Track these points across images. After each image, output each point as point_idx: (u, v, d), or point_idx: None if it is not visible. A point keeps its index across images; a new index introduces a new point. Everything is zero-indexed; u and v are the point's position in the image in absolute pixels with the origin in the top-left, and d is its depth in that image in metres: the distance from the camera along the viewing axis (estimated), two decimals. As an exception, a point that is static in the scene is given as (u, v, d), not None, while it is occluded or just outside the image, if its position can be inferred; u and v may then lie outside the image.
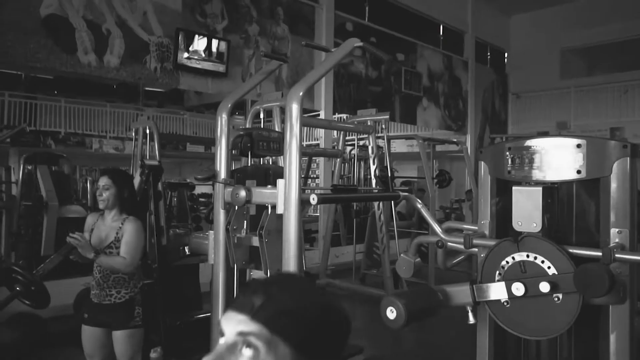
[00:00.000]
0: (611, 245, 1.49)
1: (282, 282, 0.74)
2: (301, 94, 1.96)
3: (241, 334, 0.66)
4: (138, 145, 4.68)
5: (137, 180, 3.62)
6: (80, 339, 2.61)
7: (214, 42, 5.63)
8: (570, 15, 10.56)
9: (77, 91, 12.74)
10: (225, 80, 5.82)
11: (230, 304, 0.71)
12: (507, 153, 1.70)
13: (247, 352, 0.65)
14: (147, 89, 12.66)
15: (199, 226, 5.24)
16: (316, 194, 1.97)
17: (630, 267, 1.49)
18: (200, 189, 9.26)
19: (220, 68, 5.71)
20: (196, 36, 5.46)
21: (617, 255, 1.41)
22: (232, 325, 0.68)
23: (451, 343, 4.26)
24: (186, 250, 3.66)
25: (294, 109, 1.93)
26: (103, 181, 2.60)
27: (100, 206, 2.60)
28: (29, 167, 5.76)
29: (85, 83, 11.57)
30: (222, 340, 0.69)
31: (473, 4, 10.13)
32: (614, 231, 1.51)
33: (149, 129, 4.53)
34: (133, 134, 4.81)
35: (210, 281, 3.32)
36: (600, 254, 1.43)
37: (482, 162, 1.79)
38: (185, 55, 5.38)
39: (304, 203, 2.00)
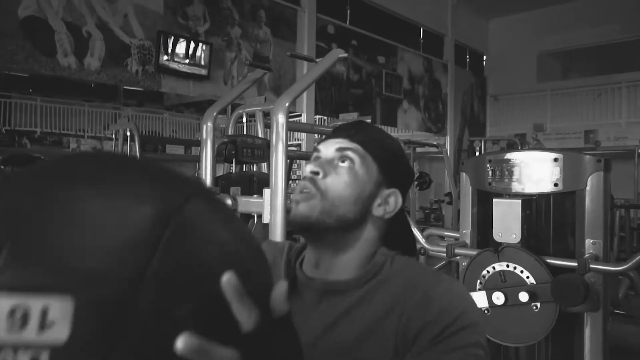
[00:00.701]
0: (586, 255, 1.55)
1: (371, 124, 0.89)
2: (287, 104, 1.99)
3: (340, 149, 0.79)
4: (118, 147, 4.64)
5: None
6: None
7: (196, 45, 5.61)
8: (547, 19, 10.77)
9: (53, 89, 12.48)
10: (207, 83, 5.80)
11: (325, 137, 0.83)
12: (488, 165, 1.75)
13: (343, 164, 0.78)
14: (126, 87, 12.49)
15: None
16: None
17: (603, 276, 1.56)
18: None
19: (202, 71, 5.68)
20: (178, 39, 5.43)
21: (591, 266, 1.48)
22: (331, 146, 0.80)
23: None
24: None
25: (280, 119, 1.96)
26: None
27: None
28: (3, 168, 5.65)
29: (62, 81, 11.35)
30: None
31: (453, 7, 10.26)
32: (588, 242, 1.58)
33: (130, 131, 4.49)
34: (113, 136, 4.76)
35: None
36: (575, 264, 1.50)
37: (464, 173, 1.85)
38: (167, 57, 5.35)
39: (290, 213, 2.02)
